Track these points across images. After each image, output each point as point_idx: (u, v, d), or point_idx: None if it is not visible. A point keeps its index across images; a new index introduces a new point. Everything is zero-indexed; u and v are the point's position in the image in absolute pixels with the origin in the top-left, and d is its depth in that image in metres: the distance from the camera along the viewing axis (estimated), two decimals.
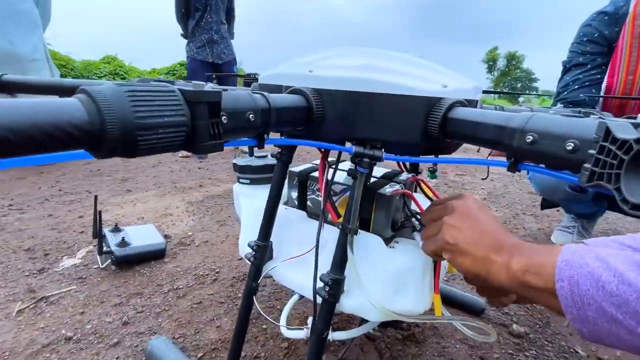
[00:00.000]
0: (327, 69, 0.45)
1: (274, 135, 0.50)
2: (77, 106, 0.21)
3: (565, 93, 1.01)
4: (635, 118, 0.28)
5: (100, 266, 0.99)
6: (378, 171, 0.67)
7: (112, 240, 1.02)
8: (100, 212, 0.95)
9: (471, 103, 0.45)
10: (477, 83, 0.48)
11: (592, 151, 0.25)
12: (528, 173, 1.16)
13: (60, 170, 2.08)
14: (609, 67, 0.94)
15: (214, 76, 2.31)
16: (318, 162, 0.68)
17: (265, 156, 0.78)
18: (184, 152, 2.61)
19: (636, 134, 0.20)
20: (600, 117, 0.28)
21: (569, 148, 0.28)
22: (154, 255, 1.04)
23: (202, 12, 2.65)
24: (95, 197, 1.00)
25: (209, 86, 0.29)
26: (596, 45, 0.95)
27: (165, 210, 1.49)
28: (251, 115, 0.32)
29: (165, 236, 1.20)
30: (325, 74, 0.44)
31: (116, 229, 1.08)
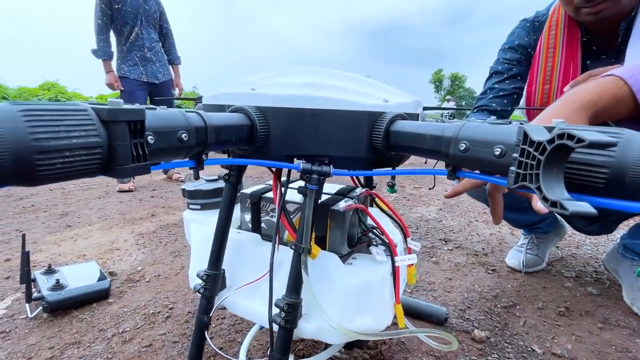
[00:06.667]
0: (269, 87, 0.45)
1: (222, 157, 0.48)
2: None
3: (482, 101, 1.02)
4: None
5: (29, 315, 0.86)
6: (332, 188, 0.66)
7: (44, 283, 0.90)
8: (28, 253, 0.84)
9: (412, 117, 0.47)
10: (418, 98, 0.51)
11: (515, 155, 0.26)
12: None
13: None
14: (528, 76, 0.96)
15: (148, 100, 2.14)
16: (271, 182, 0.67)
17: (217, 180, 0.75)
18: (122, 186, 2.27)
19: (548, 136, 0.22)
20: (520, 124, 0.30)
21: (497, 153, 0.29)
22: (96, 297, 0.93)
23: (131, 27, 2.33)
24: (23, 235, 0.88)
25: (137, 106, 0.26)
26: (514, 53, 0.97)
27: (112, 244, 1.36)
28: (184, 135, 0.30)
29: (110, 273, 1.09)
30: (268, 92, 0.43)
31: (50, 271, 0.96)
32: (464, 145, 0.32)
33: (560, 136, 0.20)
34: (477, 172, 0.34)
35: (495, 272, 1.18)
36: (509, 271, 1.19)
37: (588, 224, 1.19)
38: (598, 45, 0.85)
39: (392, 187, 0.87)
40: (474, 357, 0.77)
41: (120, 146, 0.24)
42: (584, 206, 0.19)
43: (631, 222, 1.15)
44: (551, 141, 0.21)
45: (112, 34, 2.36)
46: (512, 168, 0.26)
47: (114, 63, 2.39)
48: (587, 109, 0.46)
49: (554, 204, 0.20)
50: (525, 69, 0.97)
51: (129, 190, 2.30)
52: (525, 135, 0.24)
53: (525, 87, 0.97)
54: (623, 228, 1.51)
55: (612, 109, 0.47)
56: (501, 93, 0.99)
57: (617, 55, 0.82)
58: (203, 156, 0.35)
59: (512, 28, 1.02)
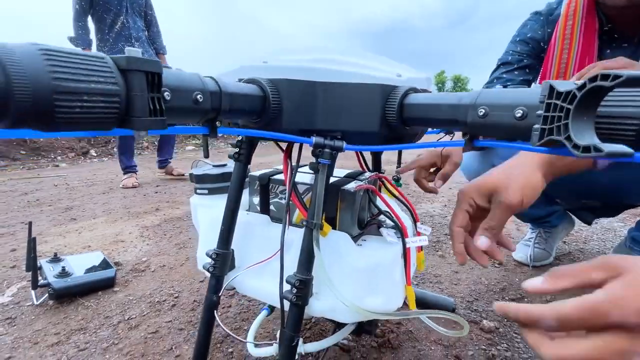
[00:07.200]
0: (282, 61, 0.44)
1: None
2: None
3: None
4: None
5: (35, 302, 0.86)
6: (341, 172, 0.66)
7: (50, 271, 0.89)
8: (34, 240, 0.84)
9: (424, 92, 0.46)
10: (428, 75, 0.50)
11: (539, 112, 0.26)
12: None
13: None
14: (536, 69, 0.95)
15: None
16: (278, 167, 0.66)
17: (224, 165, 0.75)
18: (125, 182, 2.31)
19: (578, 84, 0.21)
20: None
21: (518, 115, 0.29)
22: (101, 285, 0.92)
23: (115, 14, 2.15)
24: (30, 223, 0.88)
25: None
26: (525, 46, 0.96)
27: (117, 236, 1.36)
28: (199, 96, 0.30)
29: (116, 263, 1.08)
30: (280, 64, 0.43)
31: (55, 259, 0.96)
32: (483, 111, 0.32)
33: (593, 79, 0.20)
34: (496, 139, 0.34)
35: (502, 266, 1.17)
36: (516, 265, 1.18)
37: (596, 217, 1.17)
38: (620, 33, 0.84)
39: (397, 181, 0.86)
40: (483, 347, 0.76)
41: (137, 97, 0.24)
42: (619, 147, 0.19)
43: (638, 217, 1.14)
44: (582, 87, 0.21)
45: (90, 20, 2.17)
46: (536, 126, 0.26)
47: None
48: (541, 166, 0.45)
49: (586, 149, 0.20)
50: (534, 63, 0.96)
51: (133, 187, 2.30)
52: (552, 88, 0.24)
53: (538, 79, 0.95)
54: (630, 223, 1.50)
55: (571, 165, 0.46)
56: (509, 83, 0.97)
57: (639, 43, 0.80)
58: (217, 123, 0.34)
59: (514, 26, 1.01)
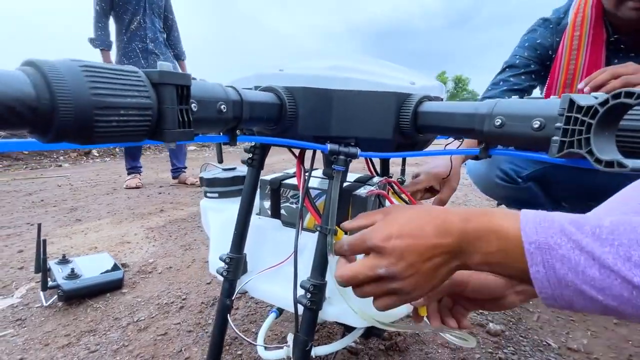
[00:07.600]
0: (297, 69, 0.45)
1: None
2: (21, 79, 0.18)
3: (493, 91, 0.98)
4: None
5: (44, 304, 0.87)
6: (350, 177, 0.66)
7: (59, 273, 0.90)
8: (44, 241, 0.84)
9: (437, 100, 0.47)
10: (440, 83, 0.51)
11: (558, 124, 0.26)
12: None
13: None
14: (540, 76, 0.95)
15: None
16: (288, 171, 0.67)
17: (234, 168, 0.75)
18: (129, 183, 2.31)
19: (600, 99, 0.22)
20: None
21: (536, 126, 0.29)
22: (110, 287, 0.93)
23: (132, 14, 2.12)
24: (39, 225, 0.89)
25: None
26: (534, 52, 0.96)
27: (122, 238, 1.37)
28: (223, 106, 0.30)
29: (123, 265, 1.09)
30: (296, 72, 0.43)
31: (64, 261, 0.97)
32: (500, 121, 0.32)
33: (616, 96, 0.20)
34: (512, 148, 0.34)
35: None
36: None
37: None
38: (627, 44, 0.84)
39: (402, 183, 0.87)
40: (490, 350, 0.76)
41: (168, 110, 0.24)
42: None
43: None
44: (604, 103, 0.21)
45: (112, 22, 2.16)
46: (555, 138, 0.26)
47: (113, 54, 2.20)
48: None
49: (609, 164, 0.20)
50: (540, 69, 0.96)
51: (136, 187, 2.31)
52: (572, 102, 0.24)
53: (544, 91, 0.95)
54: None
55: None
56: (515, 87, 0.97)
57: None
58: (237, 131, 0.35)
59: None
